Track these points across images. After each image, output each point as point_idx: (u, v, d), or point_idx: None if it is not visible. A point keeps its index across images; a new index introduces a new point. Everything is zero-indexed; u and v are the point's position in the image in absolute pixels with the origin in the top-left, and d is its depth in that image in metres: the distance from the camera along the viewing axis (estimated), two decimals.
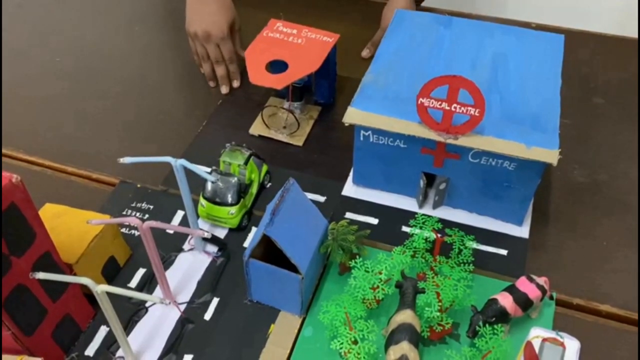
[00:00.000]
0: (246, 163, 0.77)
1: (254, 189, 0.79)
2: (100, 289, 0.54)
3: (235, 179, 0.75)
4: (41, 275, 0.56)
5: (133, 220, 0.60)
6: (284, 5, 1.16)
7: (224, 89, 0.98)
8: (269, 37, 0.88)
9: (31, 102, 0.98)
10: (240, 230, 0.77)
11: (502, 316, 0.63)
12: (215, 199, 0.75)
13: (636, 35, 1.09)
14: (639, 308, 0.69)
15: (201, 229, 0.62)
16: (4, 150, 0.90)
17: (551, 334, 0.52)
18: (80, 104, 0.98)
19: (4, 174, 0.52)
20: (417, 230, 0.72)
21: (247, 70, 0.83)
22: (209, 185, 0.75)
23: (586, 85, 0.99)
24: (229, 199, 0.75)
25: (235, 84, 1.00)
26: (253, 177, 0.79)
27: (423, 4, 1.16)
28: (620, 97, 0.97)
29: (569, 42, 0.82)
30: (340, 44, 0.88)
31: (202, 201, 0.76)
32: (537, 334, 0.52)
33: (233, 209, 0.75)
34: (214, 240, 0.76)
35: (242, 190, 0.76)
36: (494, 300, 0.63)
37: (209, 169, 0.76)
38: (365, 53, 1.05)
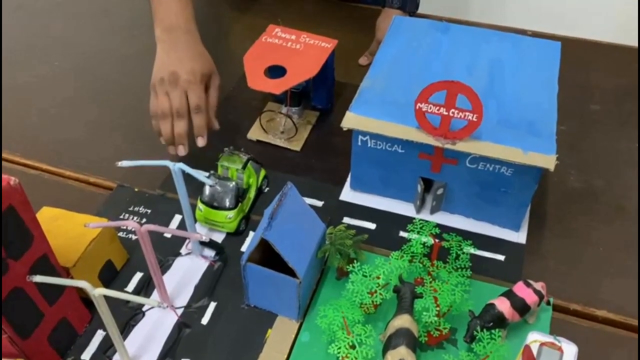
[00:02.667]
0: (244, 167, 0.77)
1: (252, 194, 0.79)
2: (98, 292, 0.54)
3: (233, 183, 0.75)
4: (38, 278, 0.56)
5: (131, 224, 0.60)
6: (283, 11, 1.17)
7: (182, 151, 0.79)
8: (267, 43, 0.88)
9: (28, 105, 0.98)
10: (237, 235, 0.77)
11: (500, 321, 0.63)
12: (213, 203, 0.75)
13: (632, 43, 1.10)
14: (639, 314, 0.69)
15: (198, 233, 0.62)
16: (2, 154, 0.89)
17: (549, 339, 0.52)
18: (78, 107, 0.98)
19: (2, 176, 0.52)
20: (415, 235, 0.72)
21: (245, 76, 0.83)
22: (207, 190, 0.75)
23: (582, 92, 1.00)
24: (227, 203, 0.75)
25: (200, 142, 0.79)
26: (251, 182, 0.79)
27: (421, 12, 1.17)
28: (616, 104, 0.98)
29: (565, 50, 0.83)
30: (339, 49, 0.89)
31: (200, 205, 0.76)
32: (535, 339, 0.52)
33: (231, 213, 0.75)
34: (211, 244, 0.76)
35: (239, 194, 0.76)
36: (492, 305, 0.63)
37: (206, 173, 0.76)
38: (362, 60, 1.06)
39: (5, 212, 0.52)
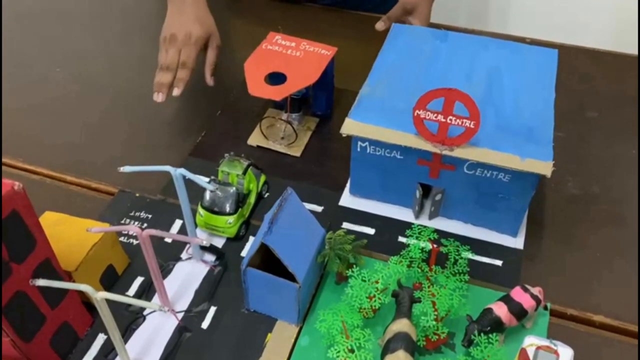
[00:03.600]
0: (244, 173, 0.78)
1: (252, 199, 0.80)
2: (100, 295, 0.55)
3: (234, 188, 0.76)
4: (41, 282, 0.56)
5: (132, 229, 0.61)
6: (283, 19, 1.18)
7: (159, 97, 0.88)
8: (268, 50, 0.89)
9: (31, 111, 0.99)
10: (237, 240, 0.78)
11: (497, 326, 0.63)
12: (214, 208, 0.76)
13: (629, 51, 1.11)
14: (639, 319, 0.70)
15: (199, 237, 0.63)
16: (3, 159, 0.90)
17: (545, 342, 0.53)
18: (80, 113, 0.99)
19: (6, 181, 0.53)
20: (413, 241, 0.73)
21: (246, 82, 0.84)
22: (208, 195, 0.76)
23: (580, 99, 1.01)
24: (227, 209, 0.75)
25: (175, 91, 0.89)
26: (251, 187, 0.80)
27: None
28: (613, 111, 0.99)
29: (562, 57, 0.84)
30: (338, 56, 0.90)
31: (201, 210, 0.77)
32: (531, 342, 0.53)
33: (231, 219, 0.76)
34: (211, 249, 0.76)
35: (240, 199, 0.77)
36: (489, 310, 0.64)
37: (207, 179, 0.76)
38: (379, 25, 1.08)
39: (9, 217, 0.53)
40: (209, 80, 0.95)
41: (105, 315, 0.57)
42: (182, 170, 0.65)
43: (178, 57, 0.91)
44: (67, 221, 0.69)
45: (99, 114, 0.99)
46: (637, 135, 0.93)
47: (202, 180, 0.67)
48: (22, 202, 0.54)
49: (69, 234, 0.67)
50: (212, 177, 0.77)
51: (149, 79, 0.90)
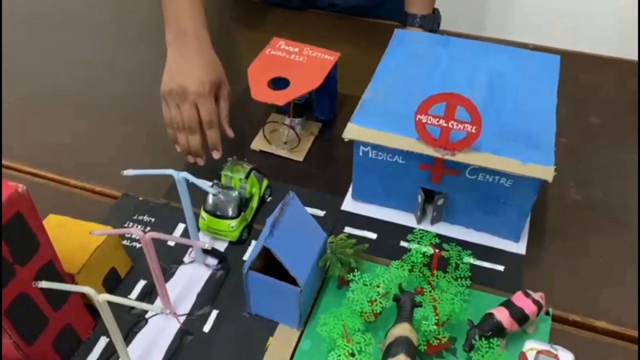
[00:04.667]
0: (247, 177, 0.78)
1: (255, 203, 0.80)
2: (102, 298, 0.55)
3: (236, 192, 0.76)
4: (44, 284, 0.57)
5: (135, 231, 0.61)
6: (287, 25, 1.18)
7: (200, 162, 0.83)
8: (271, 55, 0.89)
9: (36, 115, 1.00)
10: (240, 244, 0.78)
11: (499, 330, 0.63)
12: (216, 212, 0.76)
13: (630, 57, 1.11)
14: (639, 325, 0.70)
15: (202, 240, 0.63)
16: (7, 162, 0.91)
17: (546, 347, 0.53)
18: (85, 118, 1.00)
19: (10, 183, 0.54)
20: (415, 245, 0.73)
21: (249, 87, 0.85)
22: (210, 199, 0.76)
23: (582, 105, 1.01)
24: (230, 212, 0.76)
25: (216, 155, 0.83)
26: (254, 191, 0.80)
27: None
28: (615, 117, 0.99)
29: (564, 63, 0.84)
30: (341, 62, 0.90)
31: (203, 214, 0.77)
32: (531, 346, 0.53)
33: (233, 222, 0.76)
34: (214, 252, 0.77)
35: (242, 204, 0.77)
36: (491, 315, 0.64)
37: (210, 183, 0.77)
38: None
39: (13, 219, 0.53)
40: (230, 133, 0.85)
41: (107, 318, 0.57)
42: (185, 174, 0.66)
43: (196, 113, 0.80)
44: (70, 224, 0.70)
45: (103, 118, 0.99)
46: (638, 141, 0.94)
47: (204, 184, 0.67)
48: (25, 204, 0.55)
49: (72, 237, 0.67)
50: (215, 181, 0.78)
51: (154, 84, 0.91)
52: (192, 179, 0.66)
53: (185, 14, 0.86)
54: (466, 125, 0.68)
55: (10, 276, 0.55)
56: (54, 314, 0.62)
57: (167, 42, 0.86)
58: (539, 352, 0.52)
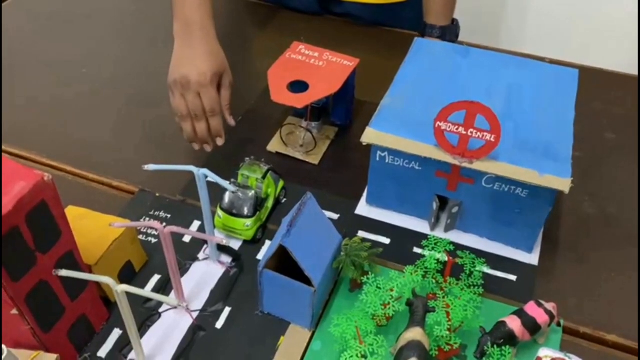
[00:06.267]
0: (264, 177, 0.79)
1: (270, 203, 0.81)
2: (120, 288, 0.56)
3: (253, 192, 0.77)
4: (64, 272, 0.58)
5: (154, 225, 0.62)
6: (305, 30, 1.20)
7: (208, 148, 0.87)
8: (291, 59, 0.90)
9: (57, 109, 1.01)
10: (254, 243, 0.79)
11: (510, 339, 0.63)
12: (232, 211, 0.77)
13: None
14: (639, 337, 0.70)
15: (218, 236, 0.64)
16: (27, 154, 0.92)
17: (560, 355, 0.53)
18: (105, 113, 1.01)
19: (36, 172, 0.55)
20: (429, 252, 0.73)
21: (267, 90, 0.85)
22: (227, 197, 0.77)
23: (598, 121, 1.01)
24: (246, 211, 0.76)
25: (220, 141, 0.86)
26: (269, 192, 0.81)
27: None
28: (630, 134, 0.99)
29: (582, 78, 0.85)
30: (360, 68, 0.91)
31: (219, 212, 0.78)
32: (546, 354, 0.53)
33: (249, 222, 0.76)
34: (228, 250, 0.77)
35: (258, 203, 0.78)
36: (503, 323, 0.64)
37: (227, 181, 0.77)
38: None
39: (38, 206, 0.54)
40: (231, 121, 0.88)
41: (124, 308, 0.58)
42: (205, 171, 0.67)
43: (200, 102, 0.83)
44: (89, 216, 0.71)
45: (123, 114, 1.01)
46: None
47: (223, 181, 0.68)
48: (50, 193, 0.56)
49: (91, 229, 0.68)
50: (232, 180, 0.78)
51: None
52: (211, 175, 0.67)
53: (192, 4, 0.89)
54: (485, 133, 0.68)
55: (31, 263, 0.56)
56: (71, 304, 0.63)
57: (174, 33, 0.89)
58: (553, 359, 0.52)
